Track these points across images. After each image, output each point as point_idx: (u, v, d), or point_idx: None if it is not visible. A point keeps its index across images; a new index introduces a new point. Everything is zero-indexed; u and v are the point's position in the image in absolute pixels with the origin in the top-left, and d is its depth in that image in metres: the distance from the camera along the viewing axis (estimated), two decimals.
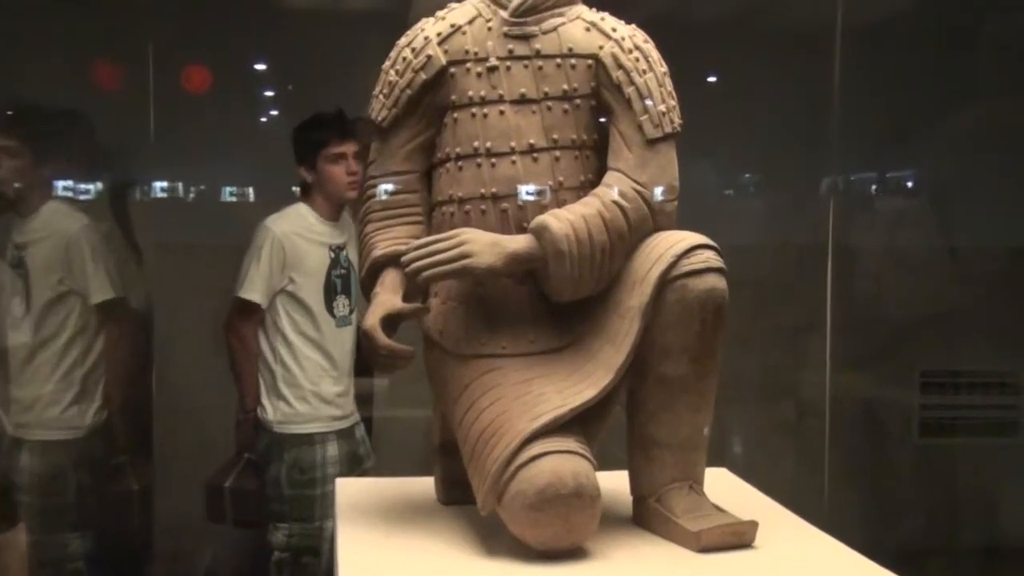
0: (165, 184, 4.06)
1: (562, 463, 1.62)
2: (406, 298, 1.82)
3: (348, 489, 2.08)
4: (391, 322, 1.80)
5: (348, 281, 3.32)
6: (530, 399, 1.71)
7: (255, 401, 3.29)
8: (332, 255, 3.30)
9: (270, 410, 3.28)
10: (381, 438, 3.56)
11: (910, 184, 4.46)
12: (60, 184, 3.90)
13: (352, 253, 3.29)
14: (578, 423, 1.70)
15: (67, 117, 3.51)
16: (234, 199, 4.20)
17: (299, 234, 3.29)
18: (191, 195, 4.14)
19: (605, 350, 1.74)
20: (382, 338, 1.76)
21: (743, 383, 3.69)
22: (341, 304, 3.30)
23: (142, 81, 3.63)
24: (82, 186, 3.94)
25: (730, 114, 3.74)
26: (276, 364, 3.27)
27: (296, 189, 4.03)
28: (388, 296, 1.81)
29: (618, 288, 1.75)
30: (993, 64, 3.90)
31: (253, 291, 3.24)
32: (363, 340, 1.80)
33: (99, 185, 3.93)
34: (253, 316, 3.27)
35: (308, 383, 3.26)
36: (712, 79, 4.16)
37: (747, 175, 4.48)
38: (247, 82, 4.11)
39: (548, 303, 1.80)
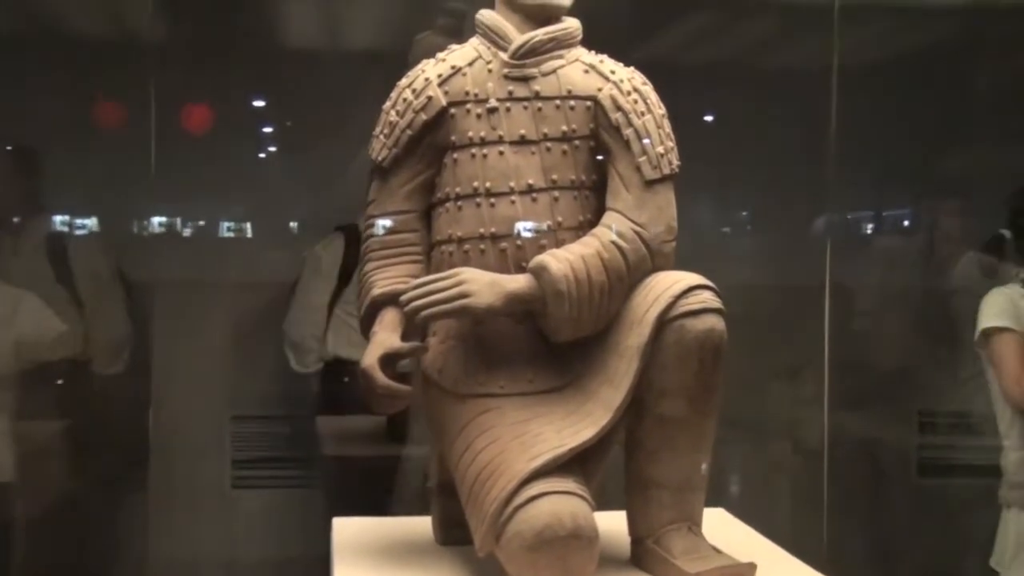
0: (163, 220, 4.06)
1: (560, 504, 1.61)
2: (405, 337, 1.83)
3: (345, 529, 2.07)
4: (389, 361, 1.80)
5: None
6: (528, 439, 1.71)
7: None
8: None
9: None
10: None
11: (906, 223, 4.48)
12: (57, 219, 3.90)
13: None
14: (577, 463, 1.70)
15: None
16: (232, 235, 4.21)
17: None
18: (189, 231, 4.15)
19: (603, 390, 1.74)
20: (380, 377, 1.76)
21: (741, 423, 3.68)
22: None
23: (144, 120, 3.65)
24: (78, 220, 3.95)
25: (727, 153, 3.76)
26: None
27: (294, 224, 4.03)
28: (387, 335, 1.81)
29: (617, 328, 1.76)
30: (989, 107, 3.93)
31: None
32: (360, 379, 1.80)
33: (95, 220, 3.93)
34: None
35: None
36: (709, 118, 4.18)
37: (744, 213, 4.50)
38: (246, 118, 4.13)
39: (547, 343, 1.81)
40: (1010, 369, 3.15)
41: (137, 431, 3.66)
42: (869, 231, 4.47)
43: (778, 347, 3.82)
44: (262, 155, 4.32)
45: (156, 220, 4.02)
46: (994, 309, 3.19)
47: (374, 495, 3.47)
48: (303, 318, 3.67)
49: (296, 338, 3.68)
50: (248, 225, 4.21)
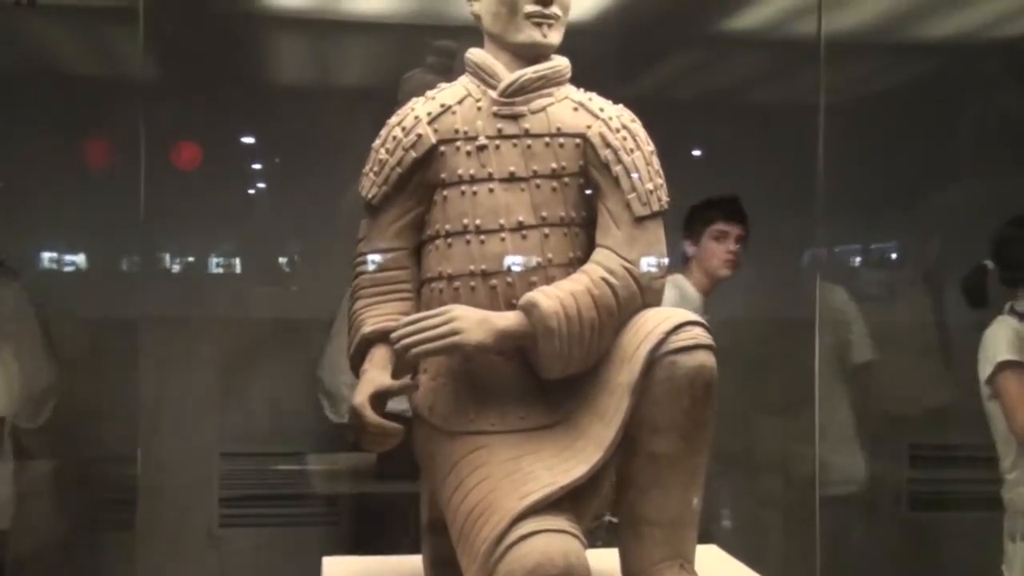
0: (152, 256, 4.05)
1: (552, 542, 1.60)
2: (395, 375, 1.82)
3: (335, 568, 2.05)
4: (380, 399, 1.79)
5: None
6: (519, 477, 1.70)
7: None
8: None
9: None
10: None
11: (894, 256, 4.50)
12: (45, 256, 3.89)
13: None
14: (568, 501, 1.69)
15: None
16: (221, 270, 4.21)
17: (676, 302, 3.29)
18: (178, 267, 4.14)
19: (595, 427, 1.73)
20: (371, 415, 1.75)
21: (732, 458, 3.67)
22: None
23: (133, 157, 3.66)
24: (67, 258, 3.94)
25: (716, 187, 3.78)
26: None
27: (283, 260, 4.01)
28: (377, 373, 1.80)
29: (607, 365, 1.75)
30: (974, 141, 3.97)
31: None
32: (351, 417, 1.79)
33: (83, 257, 3.92)
34: None
35: None
36: (697, 153, 4.21)
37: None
38: (236, 155, 4.14)
39: (537, 380, 1.80)
40: (1017, 405, 3.11)
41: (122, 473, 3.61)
42: (857, 264, 4.48)
43: (769, 381, 3.82)
44: (251, 191, 4.32)
45: (145, 256, 4.01)
46: (1003, 343, 3.16)
47: (364, 533, 3.46)
48: (338, 365, 3.61)
49: (330, 387, 3.62)
50: (237, 260, 4.20)
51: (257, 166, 4.28)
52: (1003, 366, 3.15)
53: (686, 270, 3.45)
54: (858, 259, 4.48)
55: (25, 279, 3.55)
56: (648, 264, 1.80)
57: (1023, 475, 3.21)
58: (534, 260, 1.81)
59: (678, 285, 3.39)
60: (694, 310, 3.28)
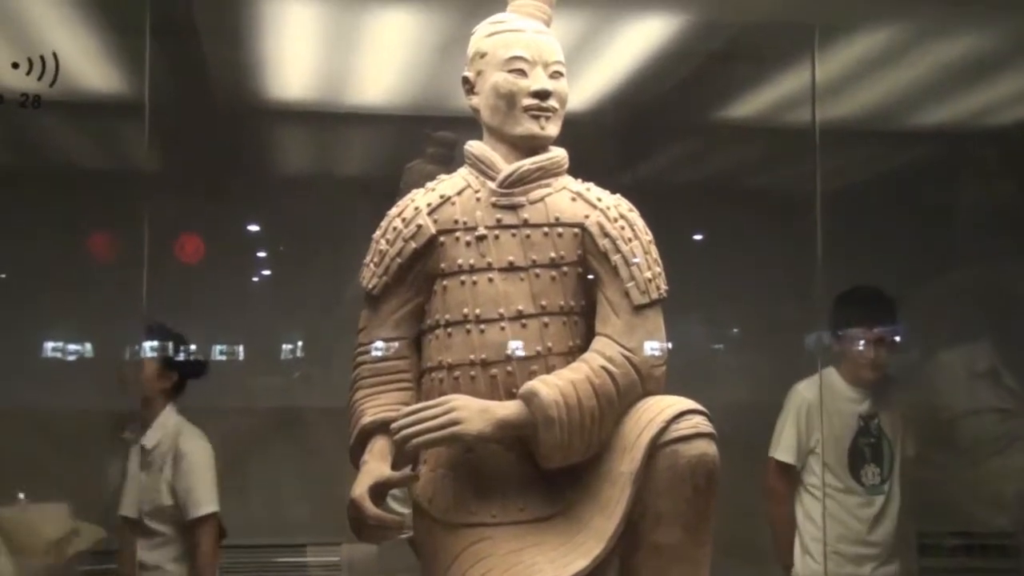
0: (155, 344, 4.05)
1: None
2: (395, 466, 1.81)
3: None
4: (380, 491, 1.78)
5: (879, 450, 3.33)
6: (521, 569, 1.68)
7: (790, 557, 3.31)
8: (861, 423, 3.34)
9: (799, 564, 3.30)
10: None
11: (897, 339, 4.48)
12: (49, 345, 3.89)
13: (884, 423, 3.33)
14: None
15: None
16: (224, 358, 4.20)
17: (827, 399, 3.33)
18: (181, 357, 4.13)
19: (596, 519, 1.72)
20: (370, 508, 1.74)
21: (736, 548, 3.60)
22: (870, 472, 3.32)
23: (137, 250, 3.69)
24: (72, 347, 3.94)
25: (716, 274, 3.79)
26: (805, 521, 3.31)
27: (287, 347, 4.02)
28: (376, 464, 1.80)
29: (608, 454, 1.75)
30: (971, 227, 4.00)
31: (786, 452, 3.29)
32: (350, 509, 1.77)
33: (88, 346, 3.92)
34: (787, 475, 3.31)
35: (832, 542, 3.27)
36: (698, 237, 4.23)
37: (735, 330, 4.51)
38: (239, 244, 4.16)
39: (537, 470, 1.79)
40: None
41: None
42: (860, 347, 4.46)
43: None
44: (255, 279, 4.34)
45: (148, 345, 4.01)
46: None
47: None
48: None
49: None
50: (240, 348, 4.20)
51: (261, 254, 4.31)
52: None
53: (840, 364, 3.42)
54: (862, 343, 4.46)
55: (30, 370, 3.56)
56: (649, 351, 1.80)
57: None
58: (534, 349, 1.82)
59: (829, 381, 3.37)
60: (846, 403, 3.30)
